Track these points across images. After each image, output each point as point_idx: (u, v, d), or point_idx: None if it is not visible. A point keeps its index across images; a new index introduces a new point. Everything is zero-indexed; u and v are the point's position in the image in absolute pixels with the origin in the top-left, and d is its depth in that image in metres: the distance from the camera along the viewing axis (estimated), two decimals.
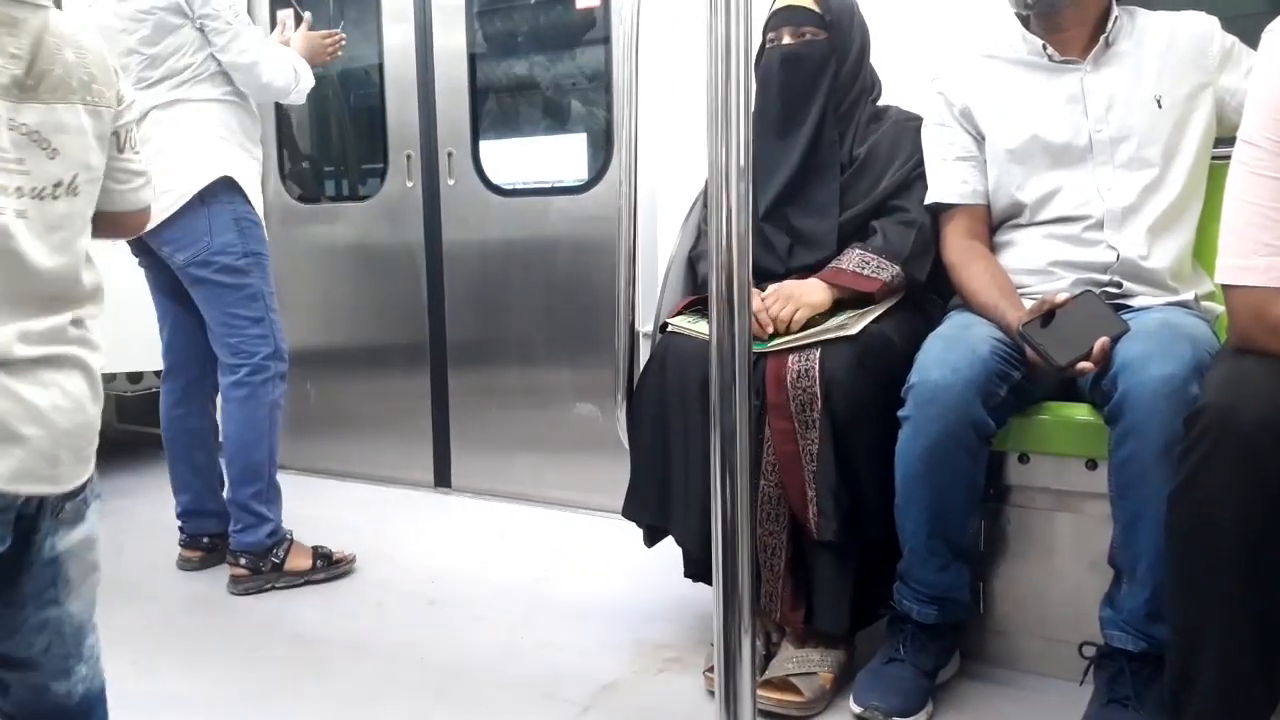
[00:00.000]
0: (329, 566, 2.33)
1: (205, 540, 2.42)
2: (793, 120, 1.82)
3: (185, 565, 2.42)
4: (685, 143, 2.31)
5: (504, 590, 2.24)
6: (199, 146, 2.19)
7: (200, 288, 2.24)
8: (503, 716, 1.67)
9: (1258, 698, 1.19)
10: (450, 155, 2.98)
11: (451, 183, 2.98)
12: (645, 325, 2.02)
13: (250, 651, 1.95)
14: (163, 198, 2.14)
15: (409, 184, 3.10)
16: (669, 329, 1.80)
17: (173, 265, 2.23)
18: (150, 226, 2.11)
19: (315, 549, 2.34)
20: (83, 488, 1.10)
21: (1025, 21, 1.75)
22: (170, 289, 2.34)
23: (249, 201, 2.25)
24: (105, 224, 1.14)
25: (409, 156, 3.08)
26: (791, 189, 1.82)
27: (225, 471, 2.32)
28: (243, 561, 2.26)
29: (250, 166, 2.28)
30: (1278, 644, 1.17)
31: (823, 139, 1.83)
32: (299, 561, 2.30)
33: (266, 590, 2.25)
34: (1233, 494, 1.12)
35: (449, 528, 2.76)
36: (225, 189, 2.21)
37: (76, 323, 1.07)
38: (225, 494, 2.33)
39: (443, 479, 3.16)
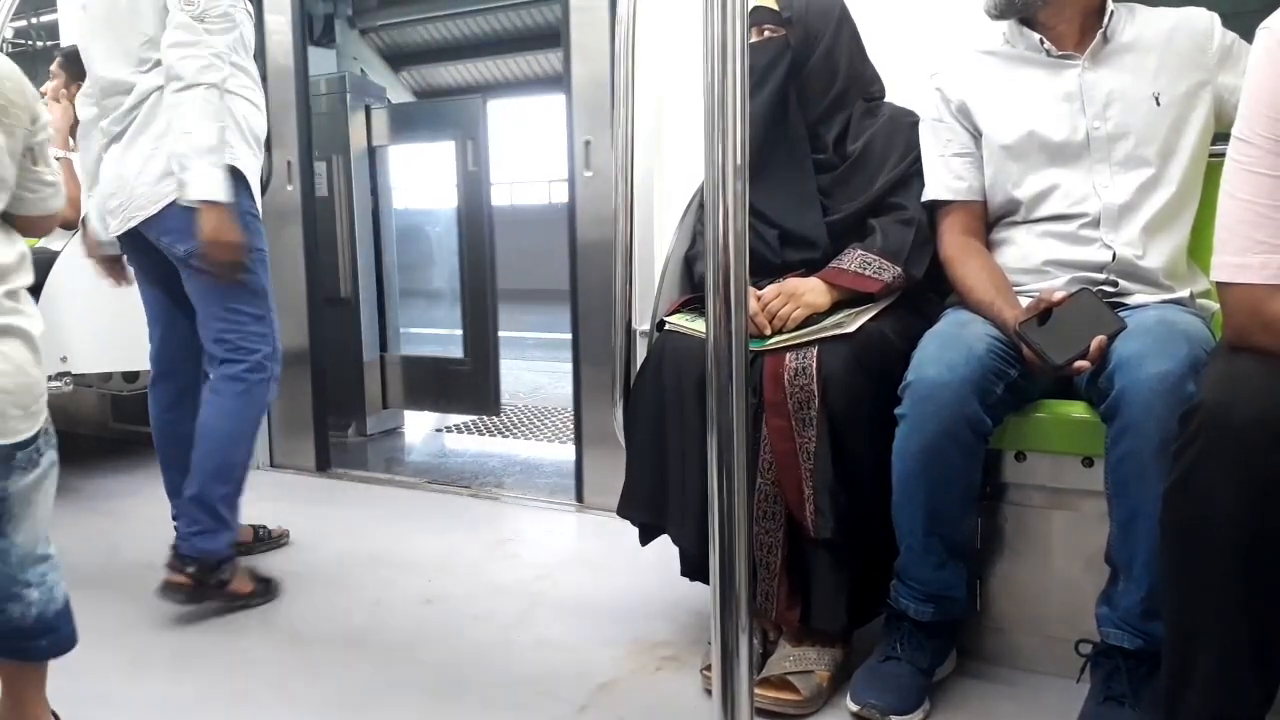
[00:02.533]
0: (266, 591, 2.19)
1: None
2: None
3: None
4: (682, 141, 2.32)
5: (501, 589, 2.24)
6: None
7: (201, 279, 2.10)
8: (500, 715, 1.67)
9: (1253, 694, 1.19)
10: (588, 144, 2.87)
11: (589, 174, 2.88)
12: (642, 324, 2.02)
13: (246, 651, 1.94)
14: (164, 183, 2.02)
15: (289, 188, 3.21)
16: (666, 327, 1.80)
17: (172, 256, 2.10)
18: (150, 213, 2.06)
19: (250, 570, 2.20)
20: (33, 439, 1.29)
21: (1024, 19, 1.74)
22: (164, 287, 2.23)
23: (253, 196, 2.15)
24: (19, 226, 1.36)
25: (289, 163, 3.19)
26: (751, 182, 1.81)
27: (195, 466, 2.12)
28: (190, 570, 2.07)
29: (255, 163, 2.17)
30: (1273, 640, 1.17)
31: (787, 133, 1.82)
32: (241, 584, 2.15)
33: (202, 603, 2.09)
34: (1228, 491, 1.12)
35: (447, 526, 2.76)
36: (233, 176, 2.07)
37: (10, 294, 1.27)
38: (188, 491, 2.11)
39: (323, 464, 3.33)
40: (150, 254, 2.17)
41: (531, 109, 13.69)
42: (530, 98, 13.78)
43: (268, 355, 2.18)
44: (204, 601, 2.09)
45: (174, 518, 2.32)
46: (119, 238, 2.18)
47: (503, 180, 14.08)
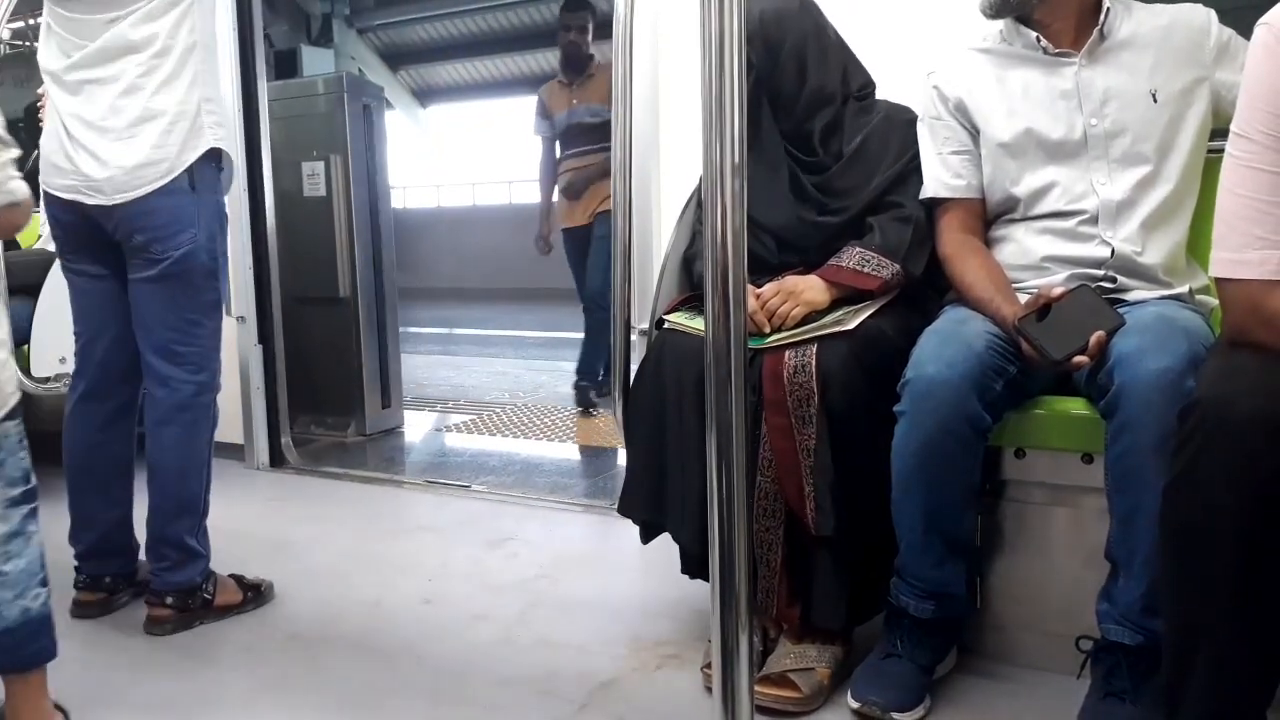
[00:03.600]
0: (257, 597, 2.13)
1: (107, 580, 2.08)
2: None
3: (83, 613, 2.05)
4: (681, 139, 2.32)
5: (501, 588, 2.24)
6: (191, 108, 1.88)
7: (164, 285, 1.90)
8: (500, 715, 1.67)
9: (1254, 690, 1.19)
10: None
11: None
12: (641, 322, 2.02)
13: (246, 652, 1.94)
14: (144, 170, 1.84)
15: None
16: (665, 325, 1.80)
17: (145, 254, 1.89)
18: (118, 200, 1.83)
19: (238, 580, 2.12)
20: None
21: (1020, 17, 1.74)
22: (113, 296, 1.98)
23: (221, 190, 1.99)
24: None
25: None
26: None
27: (154, 505, 2.00)
28: (170, 601, 1.98)
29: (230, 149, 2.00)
30: (1273, 637, 1.17)
31: (760, 142, 1.80)
32: (229, 596, 2.07)
33: (193, 627, 2.02)
34: (1227, 487, 1.12)
35: (447, 525, 2.76)
36: (214, 169, 1.92)
37: None
38: (152, 529, 2.00)
39: (277, 460, 3.40)
40: (97, 248, 1.93)
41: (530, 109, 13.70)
42: (530, 98, 13.80)
43: (215, 372, 2.02)
44: (194, 626, 2.01)
45: (78, 556, 2.07)
46: (57, 218, 1.94)
47: (500, 180, 14.07)
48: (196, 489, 2.02)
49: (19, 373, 1.41)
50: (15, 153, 1.33)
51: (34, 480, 1.43)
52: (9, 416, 1.38)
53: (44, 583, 1.44)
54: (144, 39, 1.87)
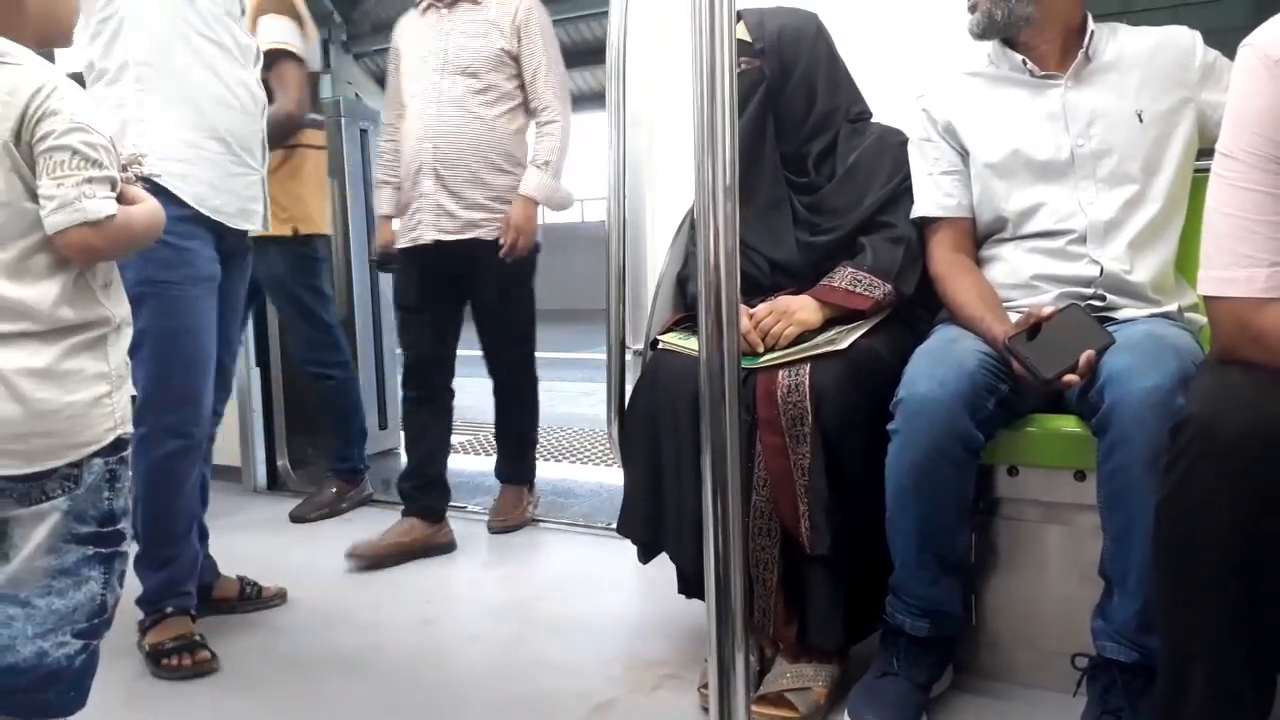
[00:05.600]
0: (258, 598, 2.23)
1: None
2: None
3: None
4: (674, 161, 2.34)
5: (498, 608, 2.23)
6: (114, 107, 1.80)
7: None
8: None
9: (1249, 708, 1.19)
10: None
11: None
12: (636, 343, 2.03)
13: (243, 671, 1.94)
14: None
15: None
16: (660, 345, 1.81)
17: None
18: None
19: (243, 587, 2.22)
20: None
21: (1006, 40, 1.77)
22: None
23: (181, 203, 1.82)
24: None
25: None
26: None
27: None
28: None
29: (201, 158, 1.87)
30: (1268, 653, 1.18)
31: (762, 165, 1.83)
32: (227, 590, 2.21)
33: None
34: (1219, 504, 1.13)
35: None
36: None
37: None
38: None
39: (272, 483, 3.45)
40: None
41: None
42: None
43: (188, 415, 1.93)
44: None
45: None
46: None
47: None
48: (179, 529, 2.00)
49: (126, 411, 1.29)
50: (103, 172, 1.20)
51: (116, 527, 1.28)
52: (102, 453, 1.25)
53: (82, 635, 1.29)
54: (84, 66, 1.85)
